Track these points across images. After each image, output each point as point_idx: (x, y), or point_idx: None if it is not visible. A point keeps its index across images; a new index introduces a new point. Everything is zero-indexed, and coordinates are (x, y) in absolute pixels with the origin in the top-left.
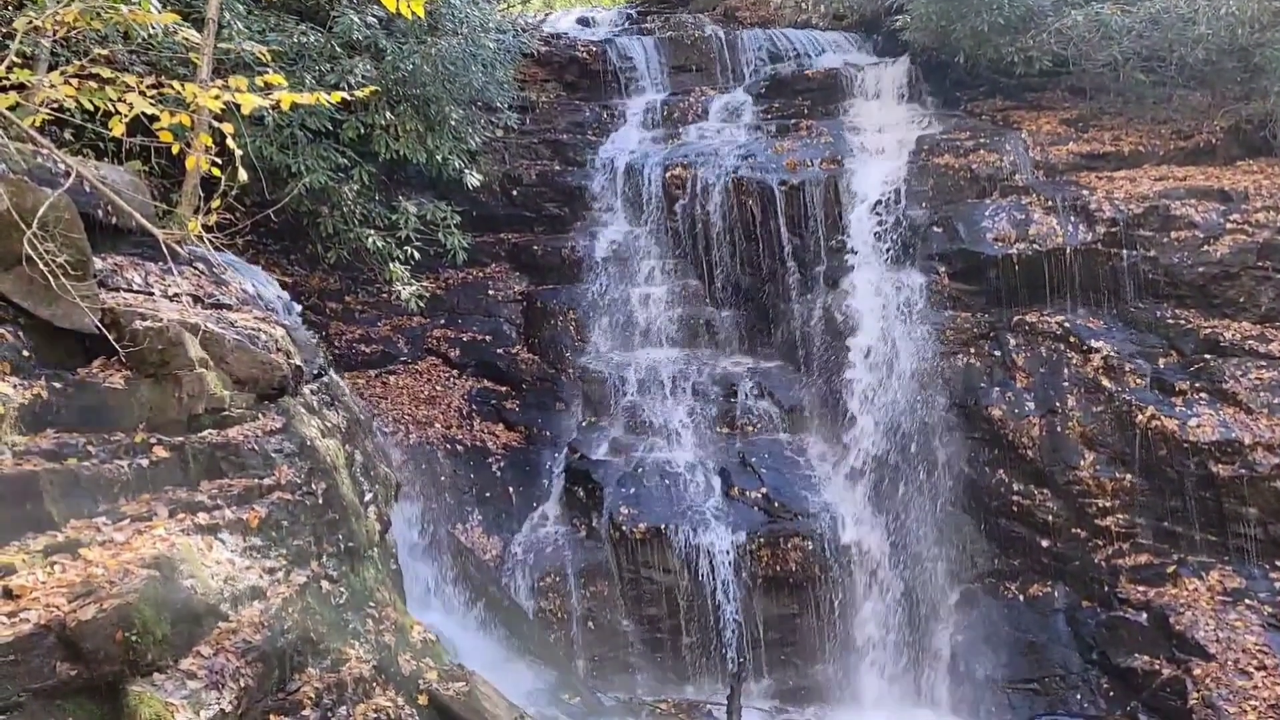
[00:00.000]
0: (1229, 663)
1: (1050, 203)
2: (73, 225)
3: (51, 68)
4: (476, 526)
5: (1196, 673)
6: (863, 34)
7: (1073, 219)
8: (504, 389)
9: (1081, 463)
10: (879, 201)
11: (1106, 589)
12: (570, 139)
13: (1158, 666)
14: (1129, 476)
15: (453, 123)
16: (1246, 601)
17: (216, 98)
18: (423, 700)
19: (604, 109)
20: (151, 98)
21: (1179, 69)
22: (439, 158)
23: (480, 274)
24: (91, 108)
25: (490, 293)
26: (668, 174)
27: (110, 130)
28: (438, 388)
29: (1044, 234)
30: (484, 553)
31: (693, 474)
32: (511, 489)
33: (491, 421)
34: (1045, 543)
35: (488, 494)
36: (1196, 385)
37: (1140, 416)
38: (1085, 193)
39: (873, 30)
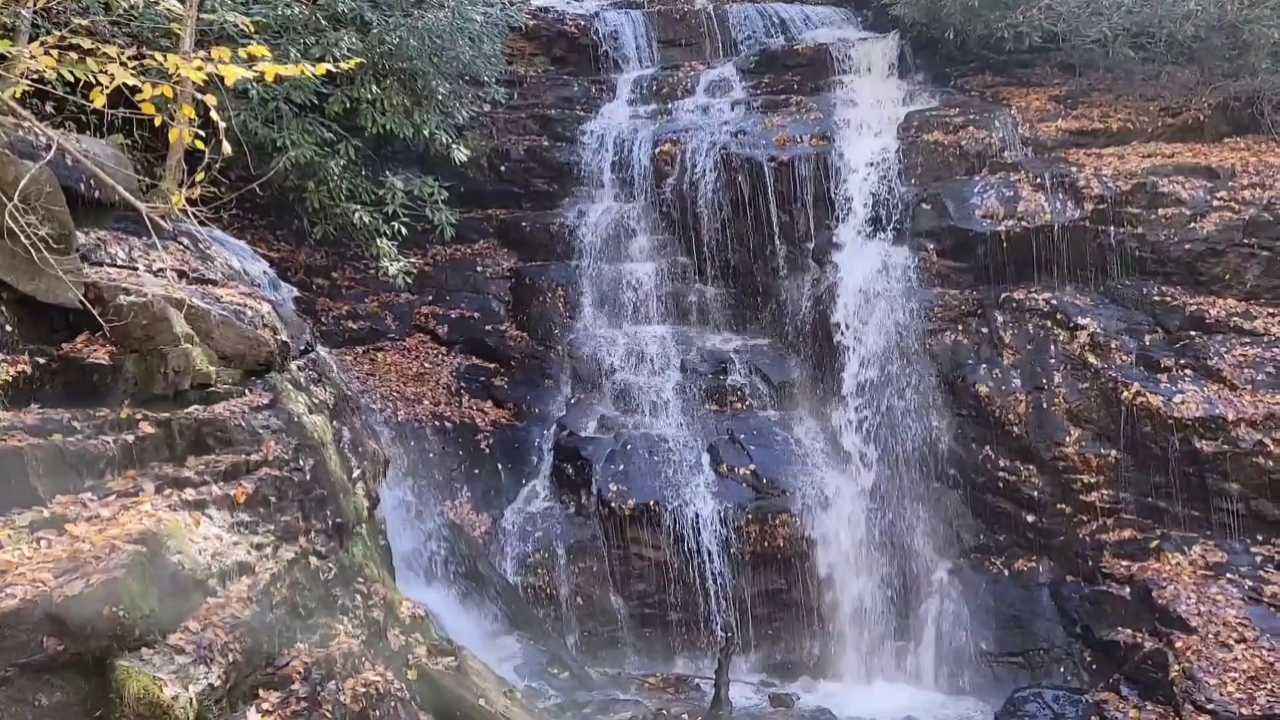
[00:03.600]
0: (1210, 636)
1: (1039, 180)
2: (55, 198)
3: (32, 39)
4: (466, 503)
5: (1178, 645)
6: (853, 8)
7: (1061, 196)
8: (493, 366)
9: (1067, 439)
10: (868, 178)
11: (1091, 564)
12: (558, 114)
13: (1140, 639)
14: (1114, 453)
15: (440, 97)
16: (1228, 575)
17: (199, 69)
18: (412, 675)
19: (592, 84)
20: (133, 69)
21: (1168, 45)
22: (426, 132)
23: (468, 250)
24: (72, 79)
25: (478, 269)
26: (657, 150)
27: (91, 102)
28: (426, 365)
29: (1032, 211)
30: (473, 529)
31: (681, 451)
32: (500, 466)
33: (480, 399)
34: (1030, 518)
35: (477, 471)
36: (1182, 362)
37: (1126, 393)
38: (1073, 170)
39: (863, 4)
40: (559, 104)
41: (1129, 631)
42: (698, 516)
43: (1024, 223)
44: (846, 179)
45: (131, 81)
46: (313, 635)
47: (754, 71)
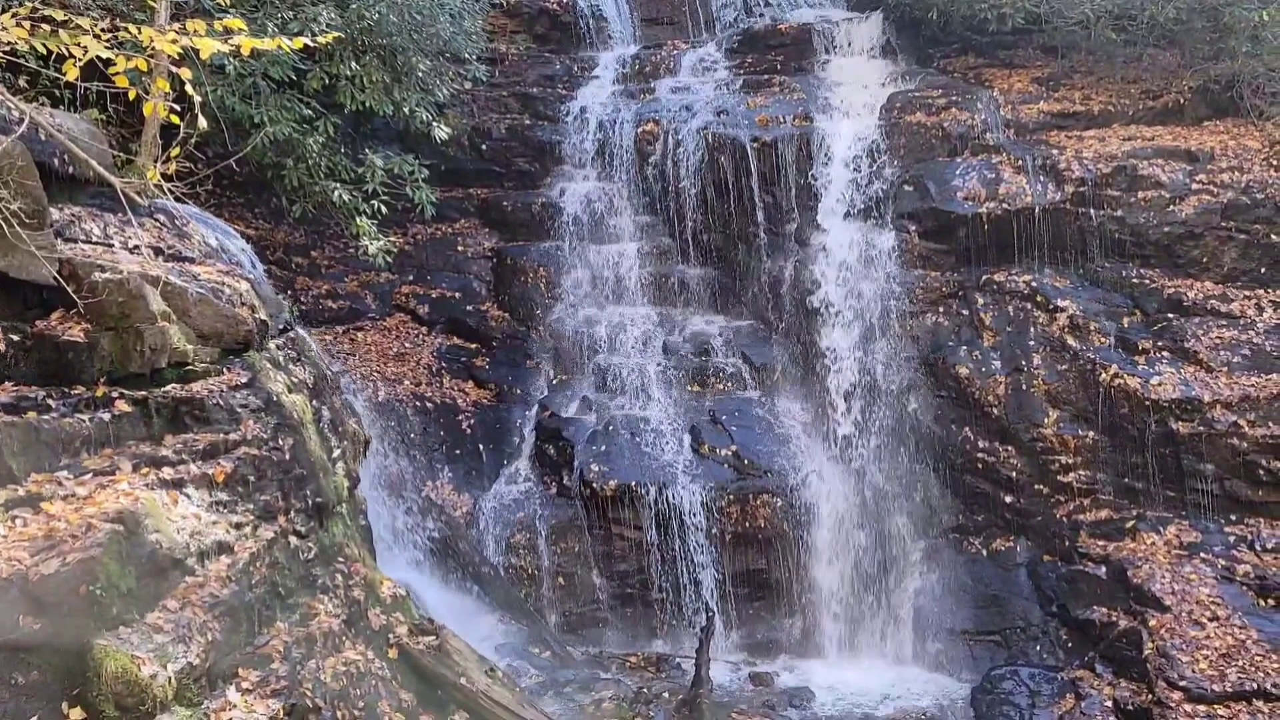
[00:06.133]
0: (1183, 614)
1: (1020, 162)
2: (27, 173)
3: (3, 10)
4: (447, 484)
5: (1152, 624)
6: None
7: (1042, 178)
8: (474, 346)
9: (1046, 420)
10: (851, 159)
11: (1067, 544)
12: (540, 92)
13: (1115, 618)
14: (1091, 434)
15: (420, 74)
16: (1202, 555)
17: (174, 42)
18: (393, 654)
19: (575, 62)
20: (107, 42)
21: (1149, 28)
22: (406, 110)
23: (449, 230)
24: (45, 52)
25: (459, 249)
26: (639, 129)
27: (64, 74)
28: (407, 344)
29: (1013, 193)
30: (455, 509)
31: (663, 432)
32: (482, 446)
33: (461, 379)
34: (1009, 499)
35: (458, 451)
36: (1159, 344)
37: (1104, 375)
38: (1054, 152)
39: None
40: (541, 82)
41: (1104, 610)
42: (679, 497)
43: (1005, 205)
44: (829, 160)
45: (105, 54)
46: (293, 615)
47: (737, 51)
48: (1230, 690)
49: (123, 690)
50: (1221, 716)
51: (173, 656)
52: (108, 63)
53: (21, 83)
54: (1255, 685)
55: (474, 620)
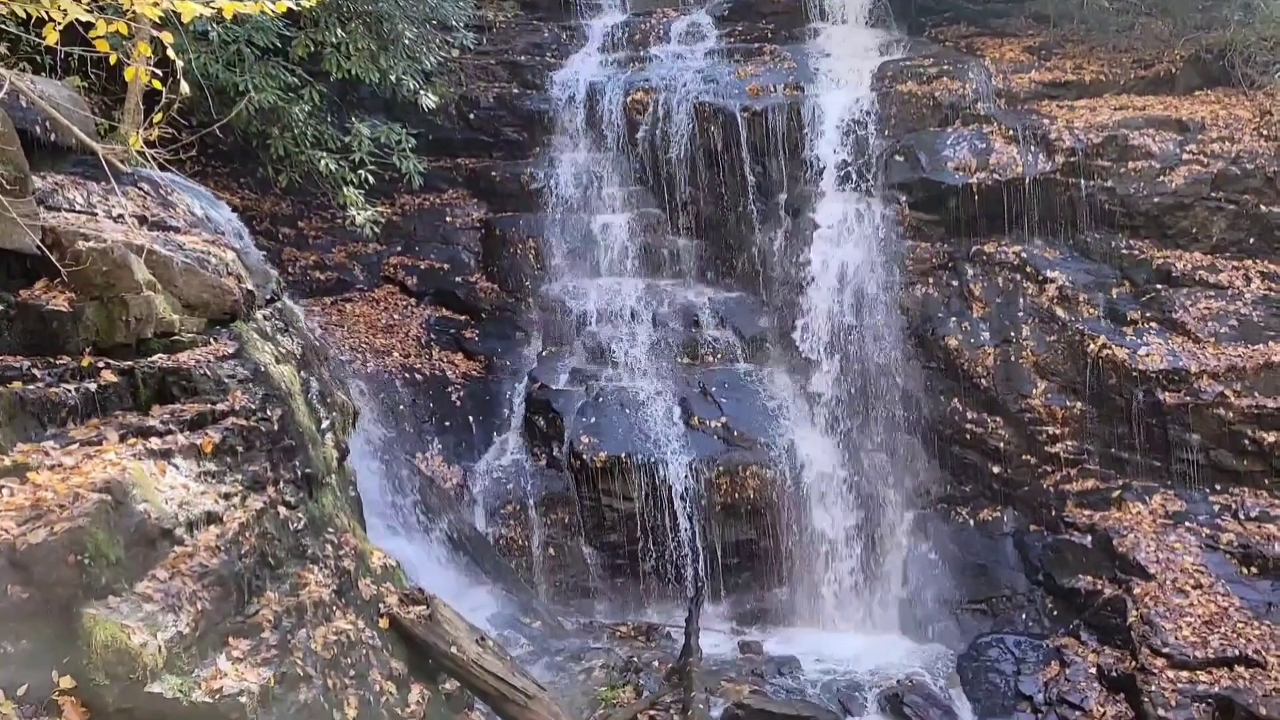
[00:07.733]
0: (1167, 582)
1: (1011, 132)
2: (8, 139)
3: None
4: (436, 455)
5: (1137, 592)
6: None
7: (1033, 148)
8: (463, 318)
9: (1034, 391)
10: (842, 129)
11: (1054, 513)
12: (529, 61)
13: (1100, 586)
14: (1079, 405)
15: (406, 41)
16: (1186, 524)
17: (155, 5)
18: (383, 624)
19: (564, 30)
20: (87, 5)
21: None
22: (392, 78)
23: (437, 200)
24: (25, 16)
25: (448, 219)
26: (629, 99)
27: (44, 39)
28: (395, 316)
29: (1004, 163)
30: (444, 481)
31: (653, 403)
32: (471, 418)
33: (450, 350)
34: (996, 469)
35: (447, 423)
36: (1147, 315)
37: (1092, 346)
38: (1046, 122)
39: None
40: (529, 50)
41: (1089, 579)
42: (669, 468)
43: (995, 175)
44: (820, 129)
45: (86, 18)
46: (283, 584)
47: (728, 19)
48: (1213, 656)
49: (113, 659)
50: (1204, 682)
51: (162, 625)
52: (88, 27)
53: (2, 49)
54: (1237, 652)
55: (465, 591)
